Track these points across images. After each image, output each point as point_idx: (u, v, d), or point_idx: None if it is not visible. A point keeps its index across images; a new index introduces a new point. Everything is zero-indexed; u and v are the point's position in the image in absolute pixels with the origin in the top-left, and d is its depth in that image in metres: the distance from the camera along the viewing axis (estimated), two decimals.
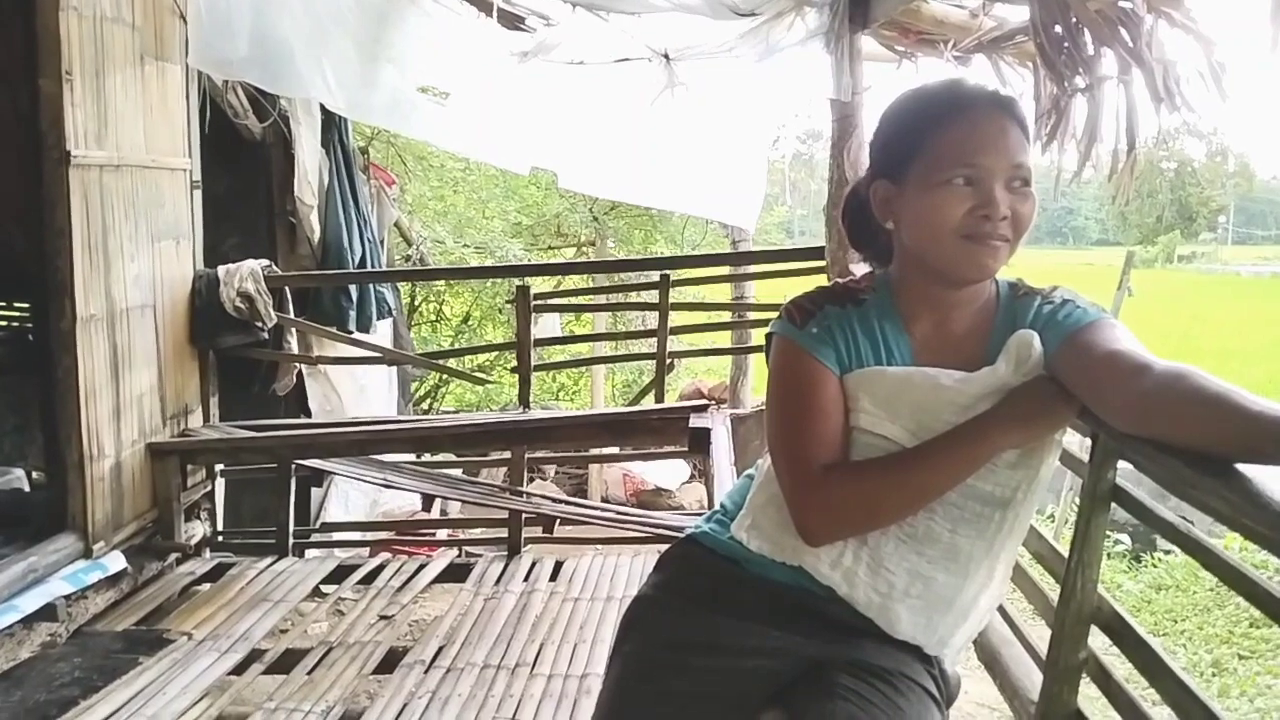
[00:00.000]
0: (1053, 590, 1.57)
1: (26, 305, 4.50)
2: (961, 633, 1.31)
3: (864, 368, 1.29)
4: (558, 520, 4.30)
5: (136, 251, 3.64)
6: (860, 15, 3.32)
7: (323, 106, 4.68)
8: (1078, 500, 1.55)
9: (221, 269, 4.19)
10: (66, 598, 3.20)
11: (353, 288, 4.92)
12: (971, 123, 1.25)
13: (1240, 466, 1.01)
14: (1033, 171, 1.26)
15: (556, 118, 4.32)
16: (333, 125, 5.05)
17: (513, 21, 3.89)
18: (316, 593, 3.70)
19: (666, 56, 3.87)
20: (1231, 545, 5.02)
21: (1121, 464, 1.34)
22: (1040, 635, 1.65)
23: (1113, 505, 1.40)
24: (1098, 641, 1.43)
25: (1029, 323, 1.27)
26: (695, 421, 3.66)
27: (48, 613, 3.12)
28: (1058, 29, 2.41)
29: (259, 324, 4.27)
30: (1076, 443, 1.59)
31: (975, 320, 1.31)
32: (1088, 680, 1.44)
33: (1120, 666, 1.46)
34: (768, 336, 1.36)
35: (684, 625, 1.32)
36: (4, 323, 5.17)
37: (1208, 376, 1.03)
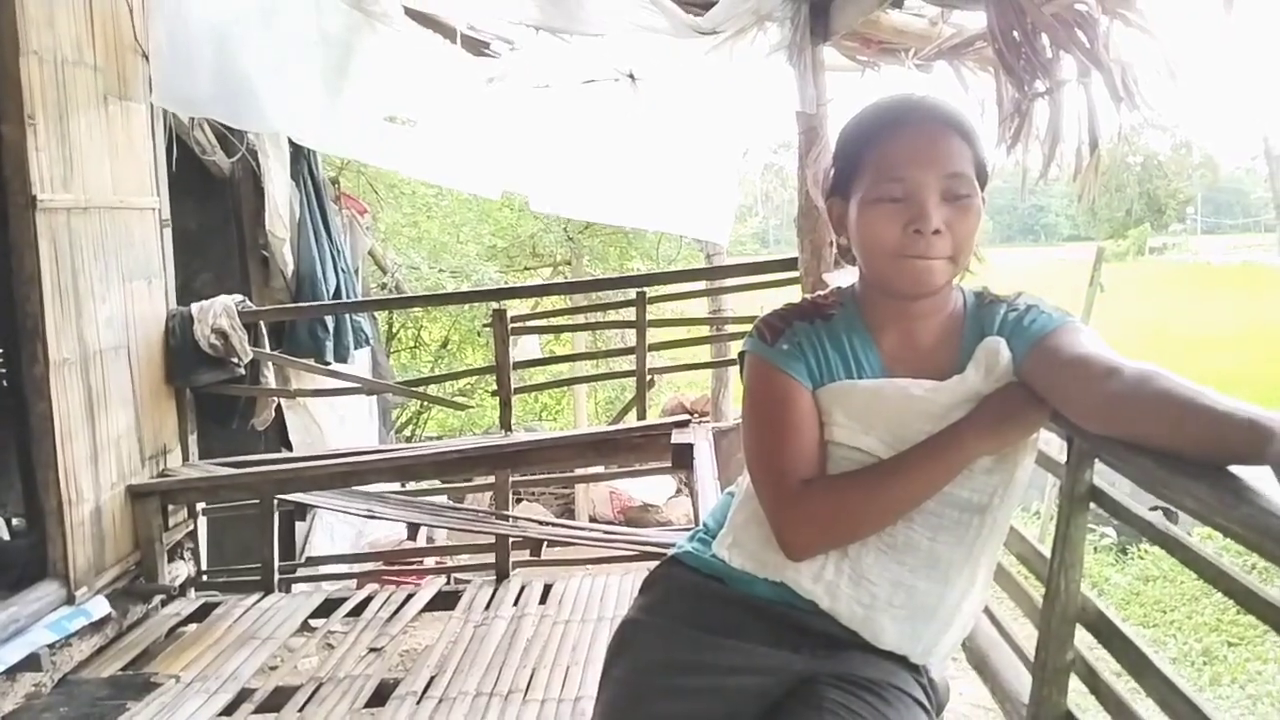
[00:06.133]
0: (1037, 590, 1.58)
1: None
2: (946, 640, 1.31)
3: (835, 382, 1.30)
4: (545, 542, 4.29)
5: (108, 293, 3.62)
6: (821, 28, 3.36)
7: (291, 139, 4.67)
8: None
9: (195, 306, 4.16)
10: (50, 646, 3.16)
11: (329, 318, 4.90)
12: (904, 136, 1.26)
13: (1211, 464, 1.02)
14: (975, 181, 1.25)
15: (526, 141, 4.34)
16: (302, 157, 5.04)
17: (477, 47, 3.91)
18: (305, 628, 3.67)
19: (632, 76, 3.89)
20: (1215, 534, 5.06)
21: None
22: (1028, 635, 1.65)
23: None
24: (1086, 639, 1.44)
25: (995, 330, 1.28)
26: (677, 437, 3.67)
27: (31, 663, 3.08)
28: (1015, 34, 2.44)
29: (235, 360, 4.25)
30: (1056, 445, 1.60)
31: (943, 330, 1.32)
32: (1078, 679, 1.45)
33: (1111, 663, 1.47)
34: (741, 354, 1.38)
35: (672, 646, 1.32)
36: None
37: (1175, 377, 1.04)
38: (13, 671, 3.01)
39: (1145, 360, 1.11)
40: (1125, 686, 1.40)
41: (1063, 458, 1.44)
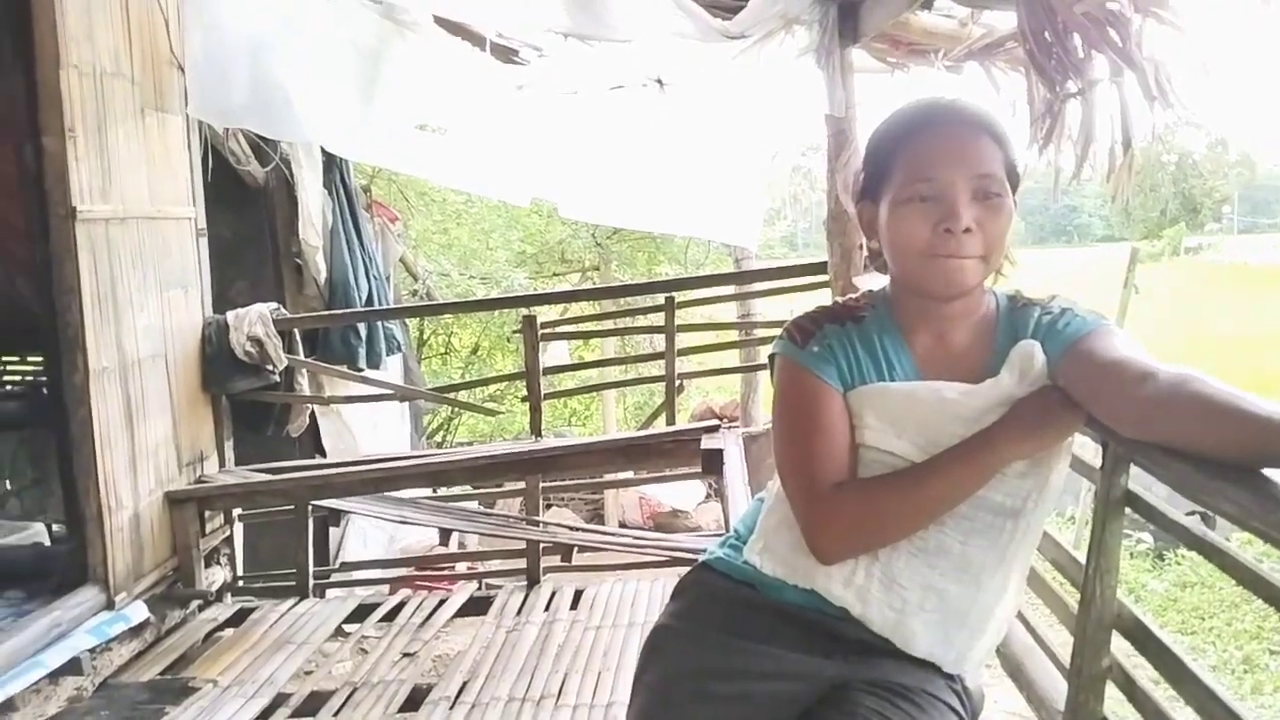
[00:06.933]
0: (1072, 596, 1.56)
1: (40, 359, 4.54)
2: (979, 646, 1.30)
3: (867, 384, 1.29)
4: (575, 548, 4.30)
5: (146, 302, 3.67)
6: (850, 30, 3.34)
7: (323, 148, 4.73)
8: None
9: (230, 314, 4.22)
10: (91, 651, 3.21)
11: (361, 325, 4.95)
12: (933, 137, 1.26)
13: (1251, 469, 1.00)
14: (1006, 182, 1.25)
15: (554, 147, 4.36)
16: (334, 166, 5.10)
17: (506, 55, 3.94)
18: (339, 633, 3.70)
19: (659, 82, 3.90)
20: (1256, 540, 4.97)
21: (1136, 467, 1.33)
22: (1064, 641, 1.64)
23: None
24: (1122, 646, 1.42)
25: (1029, 333, 1.28)
26: (707, 443, 3.65)
27: (73, 667, 3.12)
28: (1046, 34, 2.42)
29: (270, 367, 4.29)
30: (1091, 449, 1.59)
31: (976, 333, 1.31)
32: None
33: (1149, 670, 1.45)
34: (771, 357, 1.38)
35: (704, 653, 1.32)
36: (18, 377, 5.22)
37: (1211, 380, 1.03)
38: (55, 675, 3.06)
39: (1183, 363, 1.10)
40: (1163, 694, 1.38)
41: (1098, 462, 1.43)
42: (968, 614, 1.27)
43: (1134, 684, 1.38)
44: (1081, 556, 1.50)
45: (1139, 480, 1.36)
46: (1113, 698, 1.44)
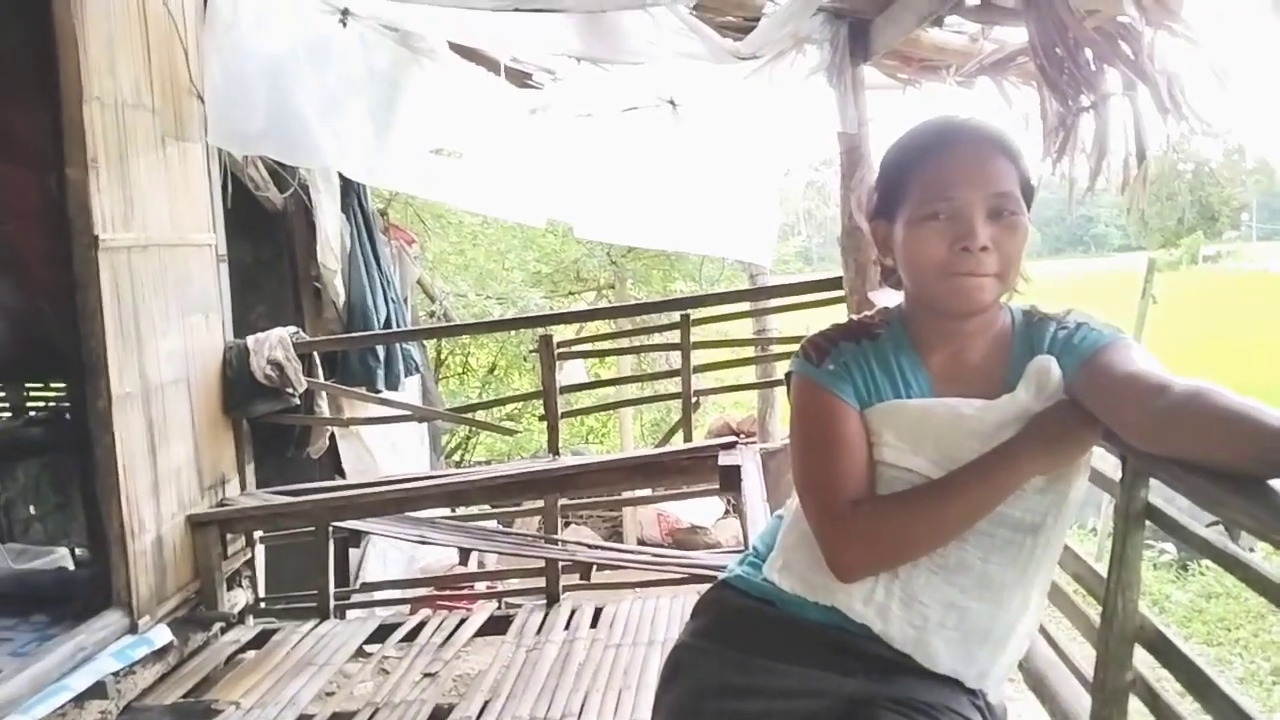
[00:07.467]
0: (1094, 609, 1.56)
1: (63, 385, 4.59)
2: (1001, 663, 1.30)
3: (883, 401, 1.30)
4: (594, 566, 4.30)
5: (167, 328, 3.72)
6: (861, 48, 3.36)
7: (341, 173, 4.78)
8: None
9: (250, 339, 4.26)
10: (115, 674, 3.23)
11: (380, 347, 4.98)
12: (950, 156, 1.26)
13: (1268, 481, 1.01)
14: (1021, 200, 1.26)
15: (569, 169, 4.39)
16: (352, 190, 5.14)
17: (520, 79, 3.97)
18: (360, 653, 3.71)
19: (672, 103, 3.93)
20: None
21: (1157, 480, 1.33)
22: (1086, 655, 1.63)
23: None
24: (1148, 659, 1.42)
25: (1045, 348, 1.28)
26: (724, 459, 3.66)
27: (98, 690, 3.15)
28: (1057, 49, 2.43)
29: (290, 390, 4.33)
30: (1111, 463, 1.59)
31: (992, 349, 1.32)
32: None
33: (1174, 683, 1.45)
34: (787, 375, 1.39)
35: (725, 671, 1.33)
36: (42, 403, 5.28)
37: (1226, 393, 1.04)
38: (81, 699, 3.09)
39: (1202, 373, 1.11)
40: (1188, 708, 1.38)
41: (1117, 475, 1.43)
42: (989, 631, 1.27)
43: (1158, 697, 1.38)
44: (1103, 570, 1.50)
45: (1160, 492, 1.36)
46: (1137, 711, 1.43)
